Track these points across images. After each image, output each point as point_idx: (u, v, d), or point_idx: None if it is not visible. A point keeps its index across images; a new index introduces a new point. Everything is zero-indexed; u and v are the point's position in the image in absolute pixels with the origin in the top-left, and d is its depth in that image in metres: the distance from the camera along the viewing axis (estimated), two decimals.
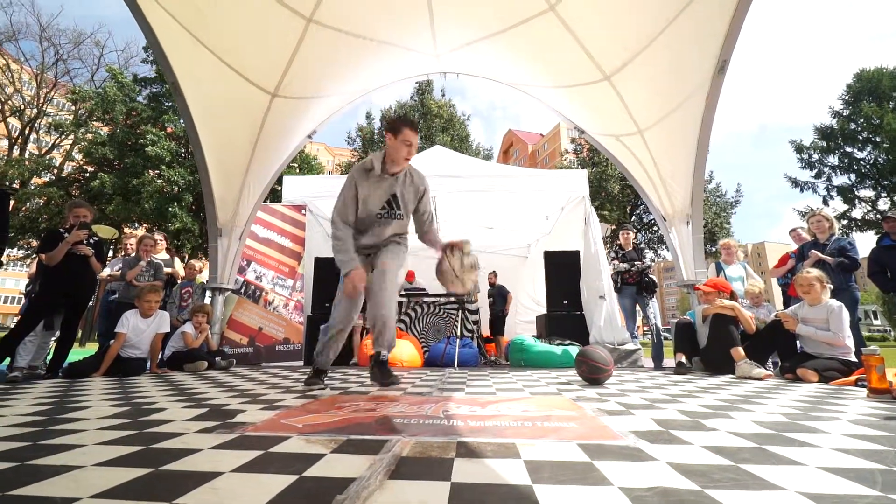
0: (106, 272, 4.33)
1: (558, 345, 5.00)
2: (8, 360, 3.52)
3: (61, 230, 3.67)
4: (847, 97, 22.86)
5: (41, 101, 23.52)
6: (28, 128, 23.02)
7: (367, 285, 2.50)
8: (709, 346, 3.78)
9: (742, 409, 1.82)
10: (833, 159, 22.93)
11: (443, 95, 26.02)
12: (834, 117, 23.00)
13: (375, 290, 2.46)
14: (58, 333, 3.82)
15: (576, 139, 26.31)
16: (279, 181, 6.38)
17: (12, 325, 3.61)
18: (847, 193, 22.18)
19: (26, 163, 20.33)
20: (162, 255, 5.17)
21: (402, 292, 5.98)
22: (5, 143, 21.97)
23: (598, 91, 4.62)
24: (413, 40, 4.70)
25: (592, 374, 2.84)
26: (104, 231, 4.20)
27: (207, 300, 5.19)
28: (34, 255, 17.30)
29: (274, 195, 8.86)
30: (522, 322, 8.22)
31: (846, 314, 3.18)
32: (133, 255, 4.72)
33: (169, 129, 20.71)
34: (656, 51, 3.96)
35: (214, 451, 1.12)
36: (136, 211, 19.01)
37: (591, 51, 4.29)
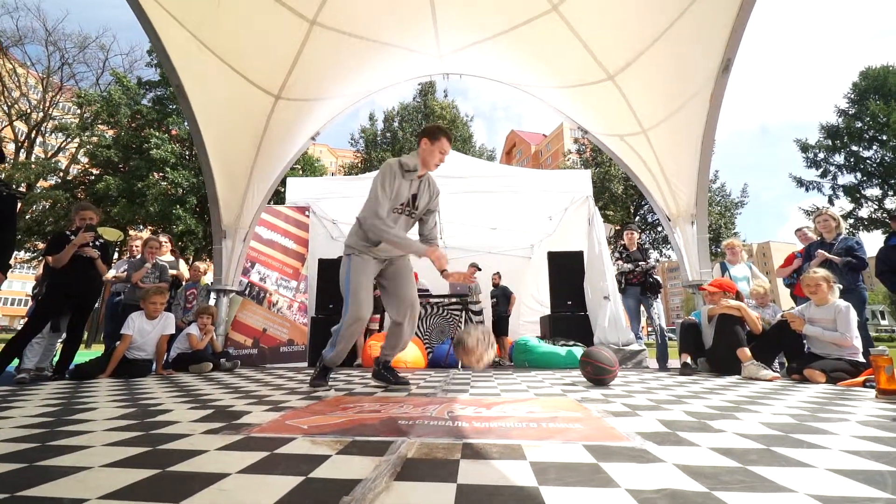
0: (111, 274, 4.36)
1: (562, 345, 4.99)
2: (16, 361, 3.54)
3: (67, 232, 3.69)
4: (853, 95, 22.68)
5: (47, 104, 23.71)
6: (34, 131, 23.21)
7: (388, 291, 2.69)
8: (714, 347, 3.76)
9: (749, 410, 1.80)
10: (839, 158, 22.75)
11: (445, 96, 26.06)
12: (840, 116, 22.83)
13: (405, 317, 2.64)
14: (64, 335, 3.85)
15: (579, 139, 26.30)
16: (283, 183, 6.40)
17: (19, 327, 3.64)
18: (854, 193, 21.99)
19: (32, 166, 20.49)
20: (167, 257, 5.19)
21: None
22: (12, 146, 22.14)
23: (602, 91, 4.61)
24: (416, 41, 4.71)
25: (597, 374, 2.83)
26: (109, 233, 4.24)
27: (212, 302, 5.21)
28: (41, 258, 17.43)
29: (277, 197, 8.89)
30: (526, 323, 8.20)
31: (854, 314, 3.16)
32: (138, 257, 4.75)
33: (173, 132, 20.84)
34: (660, 50, 3.95)
35: (220, 453, 1.13)
36: (141, 213, 19.12)
37: (594, 50, 4.29)
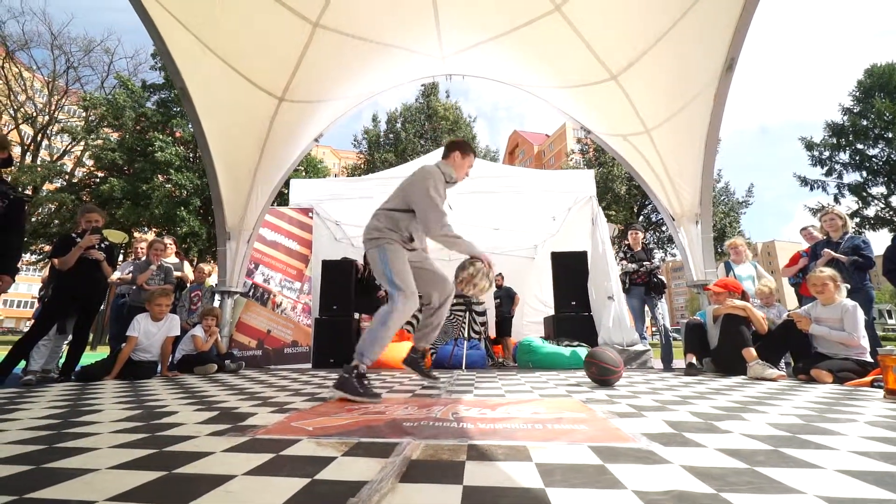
0: (116, 276, 4.38)
1: (566, 346, 4.98)
2: (22, 363, 3.57)
3: (73, 235, 3.72)
4: (858, 93, 22.52)
5: (53, 108, 23.87)
6: (40, 135, 23.38)
7: (425, 274, 2.70)
8: (720, 347, 3.74)
9: (756, 410, 1.79)
10: (844, 156, 22.59)
11: (447, 97, 26.06)
12: (844, 114, 22.67)
13: (447, 294, 2.74)
14: (70, 337, 3.87)
15: (582, 139, 26.20)
16: (286, 184, 6.42)
17: (26, 330, 3.66)
18: (860, 191, 21.83)
19: (38, 169, 20.63)
20: (171, 259, 5.22)
21: None
22: (18, 149, 22.31)
23: (605, 91, 4.60)
24: (418, 43, 4.72)
25: (602, 375, 2.82)
26: (114, 235, 4.26)
27: (216, 303, 5.23)
28: (47, 260, 17.55)
29: (281, 198, 8.93)
30: (529, 323, 8.18)
31: (861, 314, 3.13)
32: (143, 258, 4.77)
33: (177, 134, 20.94)
34: (663, 49, 3.93)
35: (226, 454, 1.13)
36: (146, 215, 19.21)
37: (597, 50, 4.28)
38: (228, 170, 4.88)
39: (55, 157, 24.28)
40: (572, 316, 5.64)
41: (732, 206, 21.41)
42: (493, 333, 7.63)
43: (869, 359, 3.03)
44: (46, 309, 3.65)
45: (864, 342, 3.09)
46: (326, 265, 5.94)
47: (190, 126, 17.45)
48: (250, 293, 5.79)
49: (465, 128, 25.12)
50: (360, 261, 6.37)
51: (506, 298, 7.50)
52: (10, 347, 3.39)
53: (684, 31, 3.68)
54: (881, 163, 21.71)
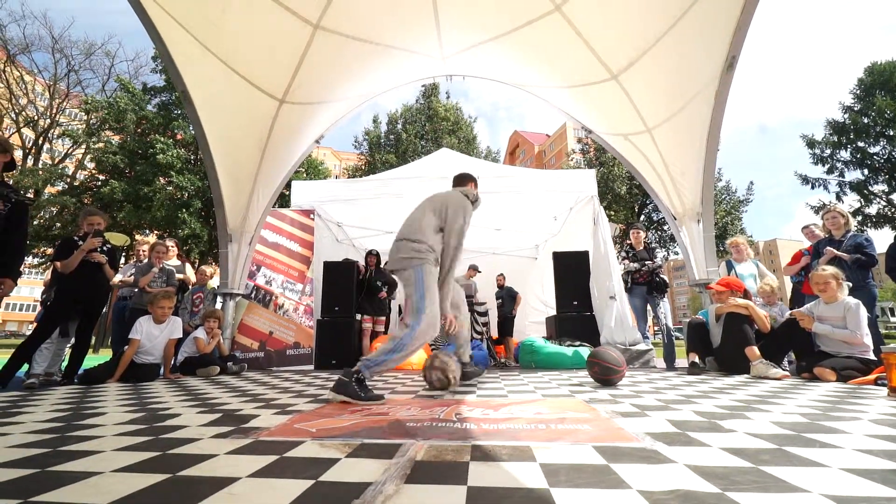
0: (118, 278, 4.39)
1: (569, 346, 4.97)
2: (25, 367, 3.58)
3: (76, 238, 3.72)
4: (858, 91, 22.47)
5: (54, 111, 23.94)
6: (41, 138, 23.45)
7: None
8: (722, 346, 3.73)
9: (759, 409, 1.79)
10: (845, 154, 22.53)
11: (448, 98, 26.07)
12: (845, 112, 22.60)
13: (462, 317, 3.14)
14: (73, 340, 3.88)
15: (582, 139, 26.19)
16: (287, 186, 6.43)
17: (28, 333, 3.67)
18: (861, 189, 21.77)
19: (40, 172, 20.68)
20: (173, 262, 5.23)
21: None
22: (20, 153, 22.38)
23: (606, 90, 4.60)
24: (419, 44, 4.72)
25: (605, 375, 2.81)
26: (116, 238, 4.26)
27: (218, 305, 5.24)
28: (49, 263, 17.59)
29: (282, 200, 8.94)
30: (531, 323, 8.17)
31: (864, 311, 3.12)
32: (145, 261, 4.78)
33: (179, 136, 20.97)
34: (663, 49, 3.93)
35: (230, 457, 1.13)
36: (147, 218, 19.24)
37: (597, 50, 4.28)
38: (229, 172, 4.88)
39: (57, 160, 24.36)
40: (574, 316, 5.63)
41: (734, 205, 21.36)
42: (495, 333, 7.63)
43: (872, 357, 3.02)
44: (49, 312, 3.66)
45: (868, 340, 3.09)
46: (328, 266, 5.94)
47: (191, 128, 17.51)
48: (252, 295, 5.80)
49: (465, 128, 25.14)
50: (362, 262, 6.38)
51: (508, 298, 7.50)
52: (12, 351, 3.40)
53: (684, 31, 3.68)
54: (882, 160, 21.64)
